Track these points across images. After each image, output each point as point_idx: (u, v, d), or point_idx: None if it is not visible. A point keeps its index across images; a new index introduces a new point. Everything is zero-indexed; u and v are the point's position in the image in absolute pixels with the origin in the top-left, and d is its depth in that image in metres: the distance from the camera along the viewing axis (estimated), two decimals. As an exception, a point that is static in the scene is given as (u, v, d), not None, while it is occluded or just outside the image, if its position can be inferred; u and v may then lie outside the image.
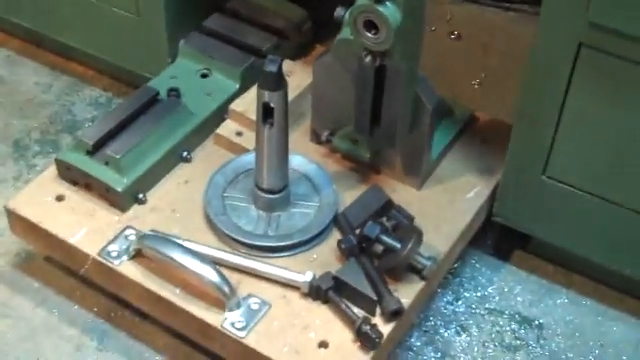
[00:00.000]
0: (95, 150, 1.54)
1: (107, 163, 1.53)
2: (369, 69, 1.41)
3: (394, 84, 1.43)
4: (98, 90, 2.00)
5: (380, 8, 1.31)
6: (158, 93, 1.65)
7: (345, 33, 1.44)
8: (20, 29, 2.05)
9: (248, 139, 1.63)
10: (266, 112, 1.39)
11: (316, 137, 1.65)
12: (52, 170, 1.58)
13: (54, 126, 1.91)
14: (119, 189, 1.50)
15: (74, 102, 1.97)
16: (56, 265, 1.62)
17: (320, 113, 1.61)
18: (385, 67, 1.42)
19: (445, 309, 1.60)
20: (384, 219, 1.50)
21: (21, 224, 1.54)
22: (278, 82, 1.36)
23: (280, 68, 1.36)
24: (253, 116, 1.63)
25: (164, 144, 1.58)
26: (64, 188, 1.56)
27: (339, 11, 1.44)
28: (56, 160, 1.56)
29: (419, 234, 1.43)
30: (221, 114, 1.67)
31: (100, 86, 2.01)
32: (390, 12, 1.32)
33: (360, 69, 1.43)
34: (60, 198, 1.55)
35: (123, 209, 1.53)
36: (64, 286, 1.61)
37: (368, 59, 1.38)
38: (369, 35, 1.35)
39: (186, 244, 1.45)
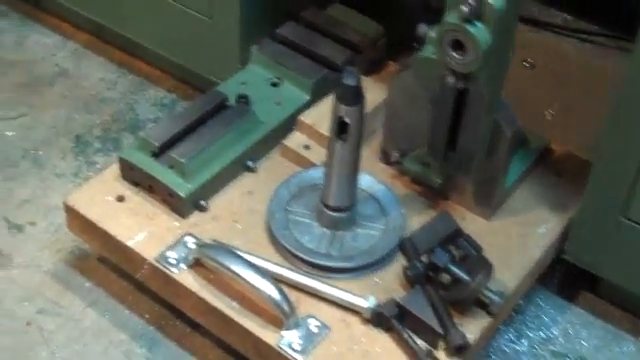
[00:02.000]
0: (161, 152, 1.51)
1: (172, 167, 1.49)
2: (450, 91, 1.36)
3: (475, 108, 1.38)
4: (163, 91, 1.97)
5: (469, 28, 1.26)
6: (227, 98, 1.61)
7: (427, 51, 1.39)
8: (89, 23, 2.03)
9: (315, 153, 1.59)
10: (340, 127, 1.35)
11: (385, 157, 1.60)
12: (114, 169, 1.55)
13: (116, 124, 1.88)
14: (182, 194, 1.46)
15: (138, 101, 1.94)
16: (110, 266, 1.59)
17: (392, 133, 1.56)
18: (467, 90, 1.36)
19: (507, 347, 1.53)
20: (452, 248, 1.44)
21: (79, 222, 1.51)
22: (356, 96, 1.32)
23: (359, 81, 1.31)
24: (322, 129, 1.59)
25: (230, 152, 1.54)
26: (125, 188, 1.52)
27: (422, 28, 1.39)
28: (120, 159, 1.52)
29: (489, 267, 1.37)
30: (289, 125, 1.63)
31: (165, 87, 1.98)
32: (480, 32, 1.26)
33: (441, 90, 1.38)
34: (121, 198, 1.51)
35: (184, 215, 1.49)
36: (116, 289, 1.57)
37: (451, 80, 1.33)
38: (455, 55, 1.30)
39: (247, 257, 1.41)
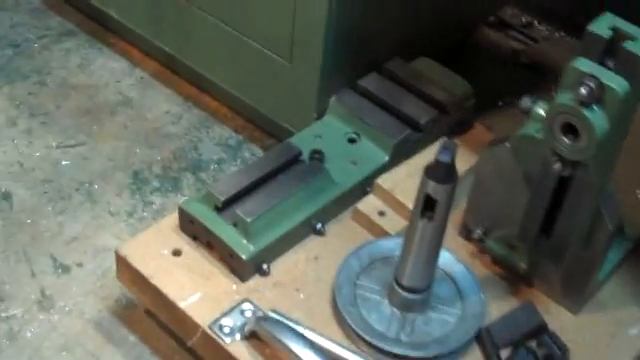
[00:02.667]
0: (225, 207, 1.39)
1: (235, 224, 1.37)
2: (554, 176, 1.22)
3: (578, 196, 1.24)
4: (229, 130, 1.85)
5: (586, 112, 1.12)
6: (301, 153, 1.49)
7: (530, 129, 1.25)
8: (158, 51, 1.93)
9: (391, 221, 1.46)
10: (427, 204, 1.21)
11: (466, 232, 1.46)
12: (173, 218, 1.43)
13: (177, 162, 1.77)
14: (244, 257, 1.34)
15: (202, 139, 1.83)
16: (157, 320, 1.47)
17: (477, 207, 1.43)
18: (573, 176, 1.22)
19: None
20: (534, 344, 1.30)
21: (129, 274, 1.39)
22: (449, 174, 1.18)
23: (454, 159, 1.18)
24: (400, 196, 1.47)
25: (299, 212, 1.42)
26: (183, 242, 1.41)
27: (526, 101, 1.25)
28: (180, 210, 1.41)
29: (578, 375, 1.23)
30: (364, 187, 1.50)
31: (232, 126, 1.86)
32: (597, 118, 1.12)
33: (542, 173, 1.24)
34: (177, 252, 1.39)
35: (243, 278, 1.36)
36: (162, 346, 1.46)
37: (557, 167, 1.19)
38: (565, 140, 1.16)
39: (307, 334, 1.28)
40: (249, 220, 1.35)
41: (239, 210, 1.37)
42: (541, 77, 2.02)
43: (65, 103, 1.87)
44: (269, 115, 1.74)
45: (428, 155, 1.53)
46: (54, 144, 1.77)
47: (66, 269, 1.56)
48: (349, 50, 1.61)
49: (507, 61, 2.07)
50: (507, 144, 1.30)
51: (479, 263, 1.45)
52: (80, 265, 1.57)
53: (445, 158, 1.17)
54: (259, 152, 1.80)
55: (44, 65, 1.94)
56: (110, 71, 1.96)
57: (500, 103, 1.91)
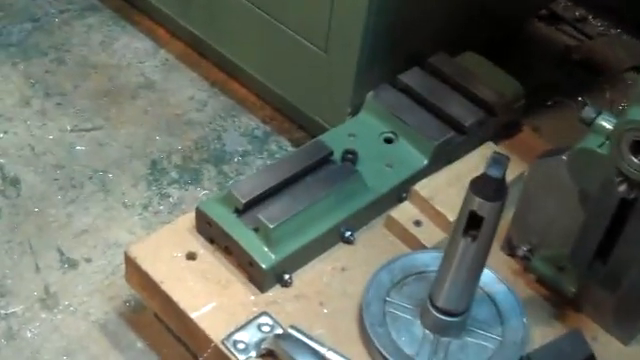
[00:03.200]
0: (246, 209, 1.27)
1: (256, 229, 1.25)
2: (616, 198, 1.08)
3: (641, 222, 1.10)
4: (256, 120, 1.73)
5: (661, 130, 0.99)
6: (332, 153, 1.36)
7: (591, 142, 1.11)
8: (186, 33, 1.81)
9: (428, 232, 1.33)
10: (471, 222, 1.08)
11: (510, 248, 1.34)
12: (189, 218, 1.32)
13: (199, 153, 1.65)
14: (264, 266, 1.22)
15: (227, 129, 1.71)
16: (168, 326, 1.35)
17: (524, 222, 1.30)
18: (638, 199, 1.08)
19: None
20: (580, 378, 1.17)
21: (139, 277, 1.28)
22: (498, 191, 1.05)
23: (505, 174, 1.05)
24: (440, 206, 1.35)
25: (327, 219, 1.29)
26: (198, 244, 1.29)
27: (589, 112, 1.12)
28: (197, 210, 1.29)
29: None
30: (399, 193, 1.38)
31: (260, 116, 1.74)
32: (672, 137, 0.99)
33: (603, 194, 1.10)
34: (191, 256, 1.28)
35: (263, 289, 1.25)
36: (172, 355, 1.35)
37: (622, 188, 1.05)
38: (635, 161, 1.02)
39: (329, 355, 1.16)
40: (272, 226, 1.23)
41: (261, 214, 1.25)
42: (594, 76, 1.89)
43: (83, 83, 1.75)
44: (300, 107, 1.62)
45: (471, 161, 1.41)
46: (69, 127, 1.66)
47: (73, 264, 1.45)
48: (389, 42, 1.48)
49: (558, 57, 1.94)
50: (563, 157, 1.17)
51: (522, 282, 1.32)
52: (88, 260, 1.46)
53: (495, 173, 1.04)
54: (287, 145, 1.68)
55: (64, 42, 1.83)
56: (133, 51, 1.84)
57: (549, 102, 1.78)
